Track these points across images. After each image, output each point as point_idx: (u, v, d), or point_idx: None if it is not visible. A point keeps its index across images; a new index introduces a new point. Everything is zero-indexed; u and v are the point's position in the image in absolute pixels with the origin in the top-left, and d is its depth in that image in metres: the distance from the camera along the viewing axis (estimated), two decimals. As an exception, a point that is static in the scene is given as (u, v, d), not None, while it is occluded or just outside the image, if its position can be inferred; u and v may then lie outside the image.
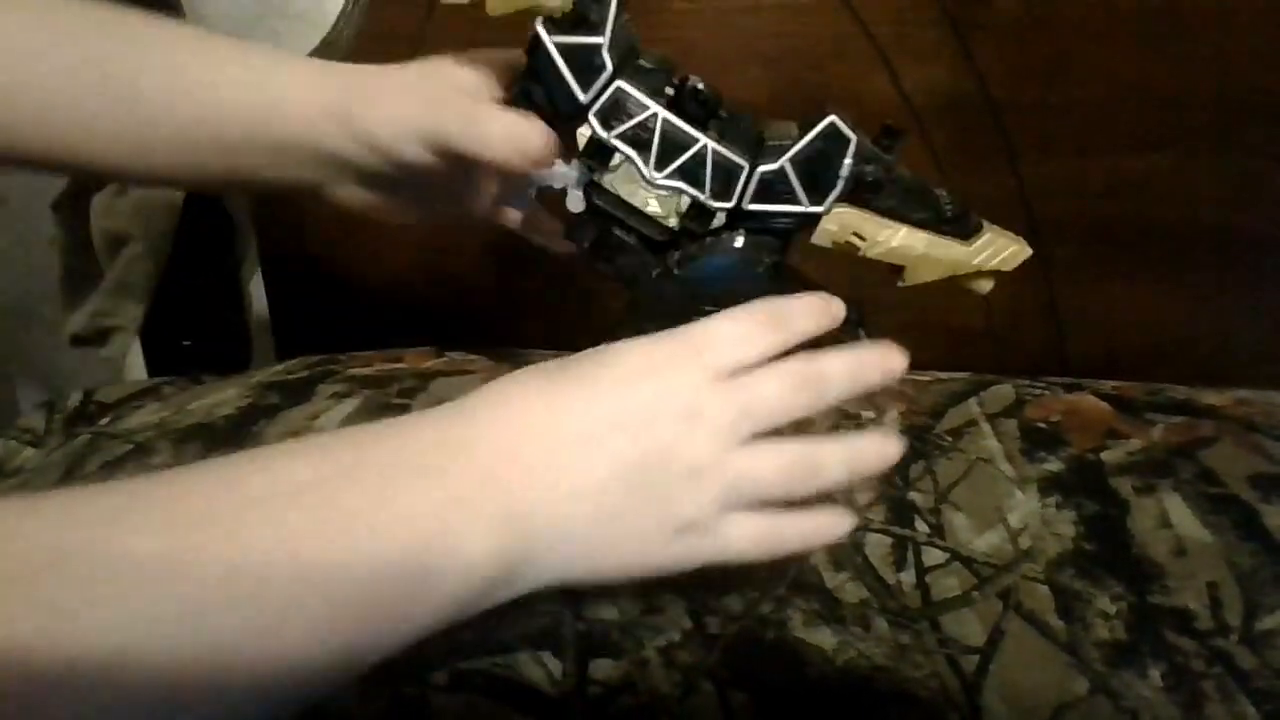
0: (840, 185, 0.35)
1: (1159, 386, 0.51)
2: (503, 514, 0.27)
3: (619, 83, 0.34)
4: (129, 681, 0.20)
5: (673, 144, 0.34)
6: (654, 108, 0.34)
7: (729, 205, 0.35)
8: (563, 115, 0.35)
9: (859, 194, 0.35)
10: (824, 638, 0.35)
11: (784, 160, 0.34)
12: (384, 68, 0.39)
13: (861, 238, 0.36)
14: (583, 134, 0.35)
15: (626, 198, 0.36)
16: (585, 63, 0.33)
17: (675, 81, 0.36)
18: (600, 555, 0.30)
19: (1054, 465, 0.43)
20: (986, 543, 0.39)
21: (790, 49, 0.54)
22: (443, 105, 0.36)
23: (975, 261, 0.36)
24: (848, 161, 0.34)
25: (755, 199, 0.35)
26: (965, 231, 0.36)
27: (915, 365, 0.55)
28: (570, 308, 0.60)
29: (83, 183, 0.55)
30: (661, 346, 0.32)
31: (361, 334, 0.60)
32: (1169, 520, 0.40)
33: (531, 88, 0.34)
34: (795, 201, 0.35)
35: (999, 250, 0.37)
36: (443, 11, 0.56)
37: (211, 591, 0.21)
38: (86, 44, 0.37)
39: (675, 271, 0.37)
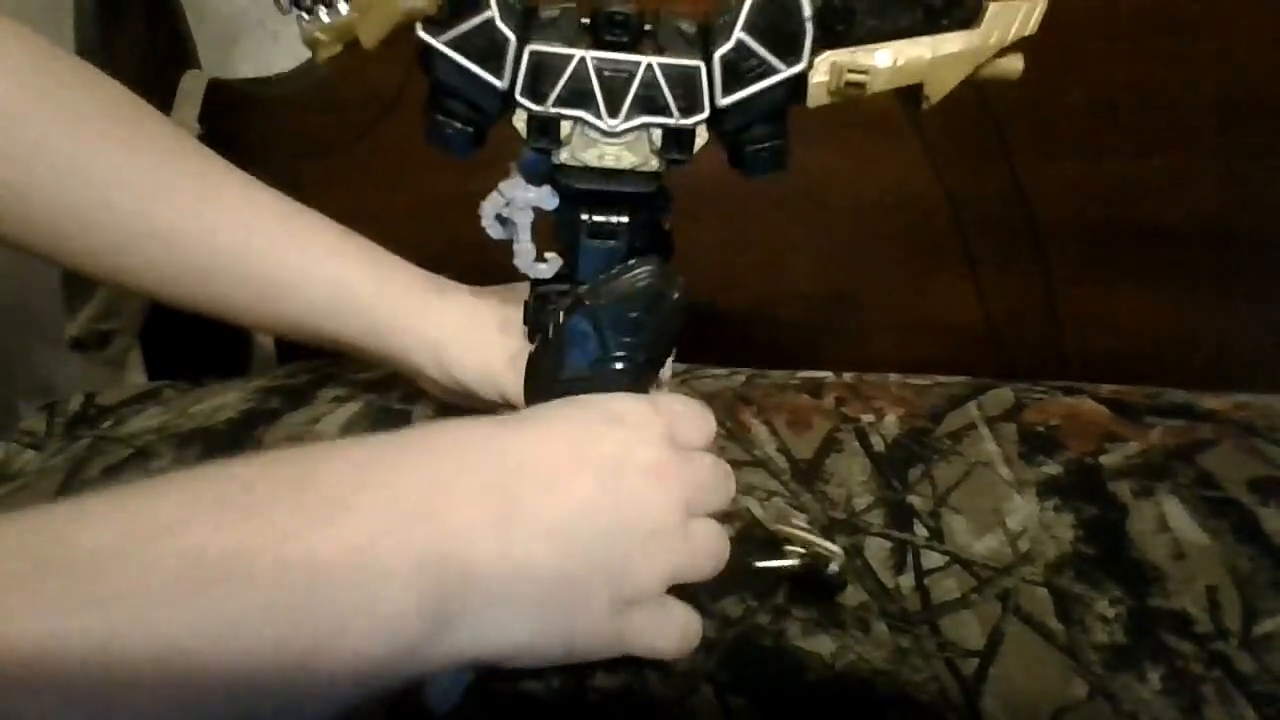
0: (810, 30, 0.30)
1: (1158, 390, 0.51)
2: (431, 554, 0.23)
3: (530, 47, 0.29)
4: None
5: (614, 81, 0.30)
6: (577, 53, 0.30)
7: (704, 115, 0.31)
8: (490, 114, 0.31)
9: (832, 31, 0.30)
10: (822, 644, 0.35)
11: (738, 32, 0.29)
12: (477, 306, 0.42)
13: (860, 73, 0.30)
14: (519, 123, 0.31)
15: (595, 164, 0.31)
16: (485, 45, 0.29)
17: (587, 17, 0.31)
18: (548, 617, 0.26)
19: (1053, 469, 0.43)
20: (985, 546, 0.39)
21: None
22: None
23: (992, 41, 0.31)
24: (805, 0, 0.29)
25: (726, 91, 0.30)
26: (967, 15, 0.31)
27: (915, 367, 0.56)
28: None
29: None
30: (624, 402, 0.30)
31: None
32: (1168, 524, 0.40)
33: (446, 104, 0.31)
34: (771, 71, 0.30)
35: (1012, 17, 0.31)
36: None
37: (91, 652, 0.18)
38: (197, 214, 0.40)
39: (587, 302, 0.33)
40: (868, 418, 0.48)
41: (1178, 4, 0.51)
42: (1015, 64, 0.32)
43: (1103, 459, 0.44)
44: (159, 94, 0.54)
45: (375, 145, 0.57)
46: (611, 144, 0.31)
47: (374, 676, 0.22)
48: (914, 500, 0.42)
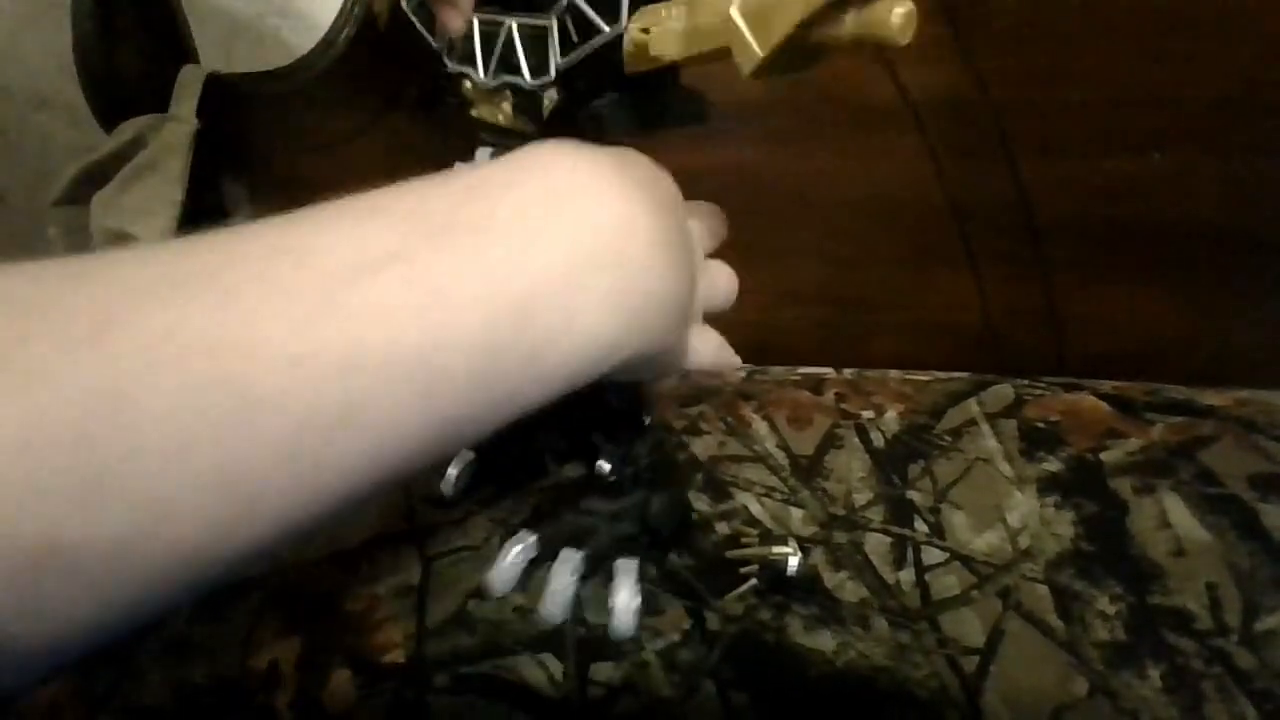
0: None
1: (1158, 386, 0.51)
2: (618, 283, 0.25)
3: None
4: (194, 468, 0.17)
5: (487, 40, 0.32)
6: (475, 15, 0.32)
7: (549, 77, 0.31)
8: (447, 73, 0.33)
9: None
10: (823, 641, 0.35)
11: None
12: None
13: (647, 31, 0.28)
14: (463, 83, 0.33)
15: (490, 119, 0.33)
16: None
17: None
18: (668, 326, 0.29)
19: (1053, 465, 0.43)
20: (986, 542, 0.39)
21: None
22: None
23: None
24: None
25: (564, 53, 0.30)
26: None
27: (914, 365, 0.55)
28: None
29: (84, 182, 0.55)
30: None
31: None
32: (1168, 520, 0.40)
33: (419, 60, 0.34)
34: (597, 32, 0.29)
35: None
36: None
37: (279, 379, 0.19)
38: None
39: None
40: (868, 414, 0.48)
41: (1178, 4, 0.51)
42: (887, 16, 0.23)
43: (1103, 455, 0.44)
44: (157, 89, 0.54)
45: (376, 141, 0.57)
46: (490, 102, 0.33)
47: (569, 385, 0.25)
48: (914, 496, 0.42)
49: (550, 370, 0.24)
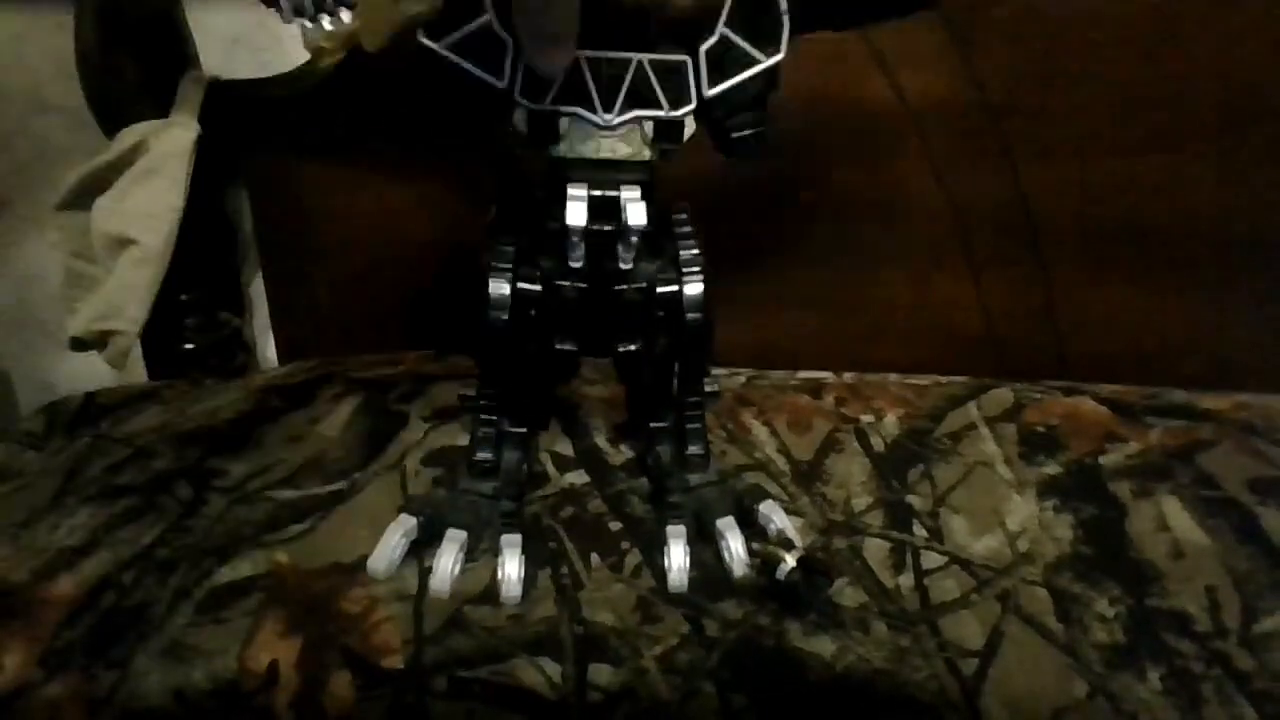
0: (787, 21, 0.32)
1: (1157, 390, 0.51)
2: None
3: None
4: None
5: (608, 77, 0.31)
6: None
7: (692, 106, 0.32)
8: (495, 110, 0.32)
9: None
10: (823, 645, 0.35)
11: (720, 28, 0.31)
12: None
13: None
14: (519, 120, 0.32)
15: (593, 155, 0.33)
16: (483, 48, 0.31)
17: None
18: None
19: (1052, 469, 0.43)
20: (985, 546, 0.39)
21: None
22: None
23: None
24: None
25: (712, 83, 0.32)
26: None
27: (914, 368, 0.55)
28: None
29: (85, 187, 0.55)
30: None
31: (363, 338, 0.60)
32: (1167, 523, 0.40)
33: (453, 98, 0.32)
34: (753, 61, 0.32)
35: None
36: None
37: None
38: None
39: None
40: (867, 418, 0.48)
41: (1178, 4, 0.51)
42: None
43: (1102, 459, 0.44)
44: (158, 94, 0.54)
45: (377, 145, 0.57)
46: (607, 137, 0.33)
47: None
48: (913, 500, 0.42)
49: None
